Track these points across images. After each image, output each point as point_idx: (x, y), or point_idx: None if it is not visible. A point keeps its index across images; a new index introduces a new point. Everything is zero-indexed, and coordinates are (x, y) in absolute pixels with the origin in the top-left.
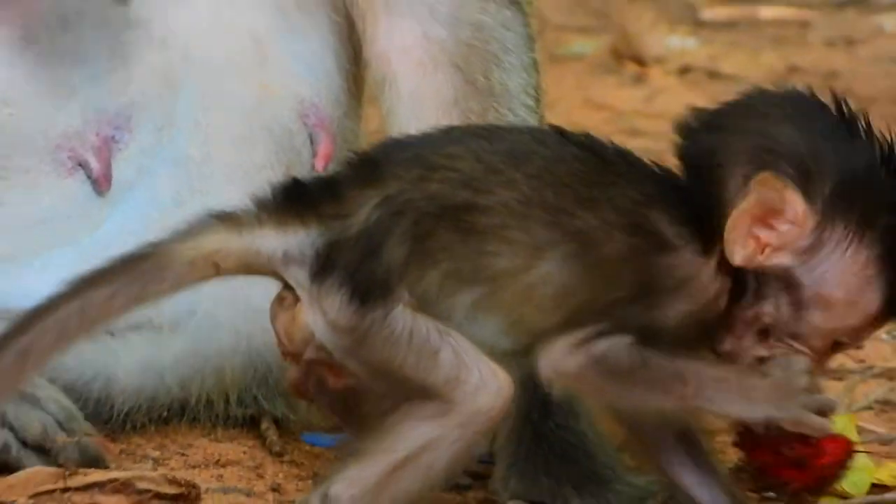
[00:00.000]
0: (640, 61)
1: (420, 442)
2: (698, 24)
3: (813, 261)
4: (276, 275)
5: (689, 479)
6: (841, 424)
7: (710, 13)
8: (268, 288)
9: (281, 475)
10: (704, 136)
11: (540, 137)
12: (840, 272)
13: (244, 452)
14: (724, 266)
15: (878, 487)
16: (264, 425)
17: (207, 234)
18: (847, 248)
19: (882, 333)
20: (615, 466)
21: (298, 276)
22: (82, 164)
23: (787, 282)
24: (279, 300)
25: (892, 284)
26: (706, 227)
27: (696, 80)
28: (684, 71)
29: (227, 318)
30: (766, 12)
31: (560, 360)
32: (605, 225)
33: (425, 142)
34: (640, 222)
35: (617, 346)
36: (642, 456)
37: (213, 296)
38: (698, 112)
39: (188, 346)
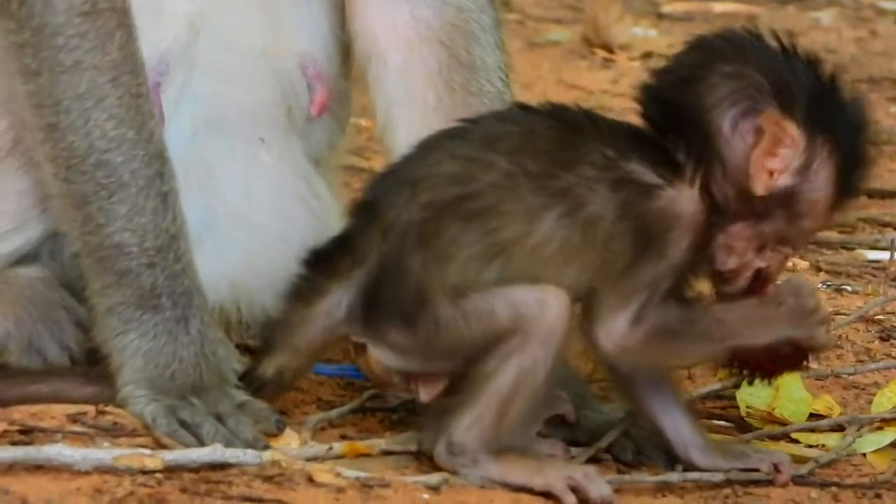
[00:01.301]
0: (607, 49)
1: (515, 374)
2: (659, 18)
3: (808, 174)
4: (338, 338)
5: (654, 408)
6: None
7: (669, 8)
8: (272, 210)
9: (288, 400)
10: (677, 87)
11: (506, 117)
12: (825, 178)
13: None
14: (706, 191)
15: (814, 416)
16: None
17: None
18: (826, 157)
19: (818, 283)
20: (583, 395)
21: (348, 330)
22: None
23: (787, 198)
24: (354, 351)
25: (848, 177)
26: (684, 163)
27: (657, 66)
28: (646, 57)
29: (238, 239)
30: (719, 7)
31: (622, 337)
32: (587, 181)
33: (405, 162)
34: (621, 176)
35: (666, 313)
36: (613, 387)
37: (228, 219)
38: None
39: (207, 261)
